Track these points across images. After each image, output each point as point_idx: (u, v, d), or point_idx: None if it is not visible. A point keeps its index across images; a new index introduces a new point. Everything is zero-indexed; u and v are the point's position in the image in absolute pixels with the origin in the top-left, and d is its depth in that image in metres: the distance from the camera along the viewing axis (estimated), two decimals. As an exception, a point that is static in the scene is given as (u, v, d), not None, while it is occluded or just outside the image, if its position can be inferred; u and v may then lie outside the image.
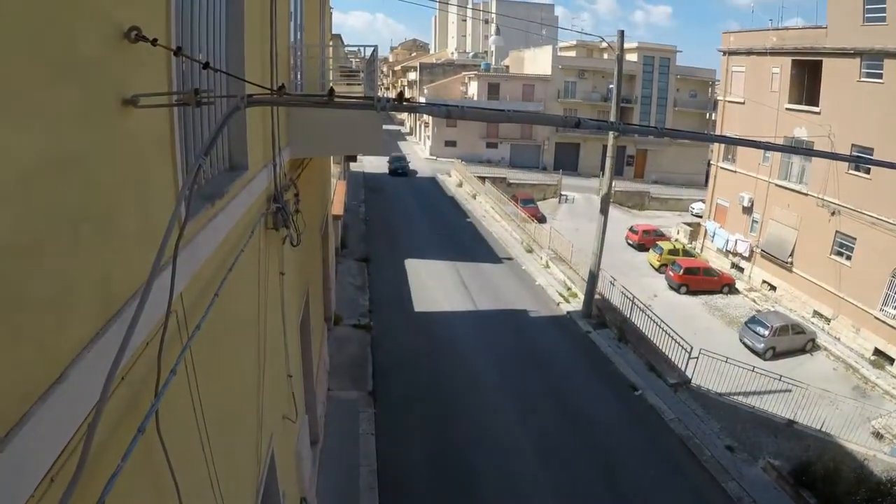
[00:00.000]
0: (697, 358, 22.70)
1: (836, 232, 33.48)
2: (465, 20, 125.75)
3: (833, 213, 33.56)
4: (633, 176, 71.27)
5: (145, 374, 3.34)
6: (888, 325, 29.82)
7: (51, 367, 2.40)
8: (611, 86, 42.64)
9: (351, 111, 9.12)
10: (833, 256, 33.63)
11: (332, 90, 4.45)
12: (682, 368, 22.95)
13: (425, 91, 76.09)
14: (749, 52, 41.86)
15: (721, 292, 38.18)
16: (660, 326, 24.64)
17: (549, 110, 67.31)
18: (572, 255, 33.85)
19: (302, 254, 11.13)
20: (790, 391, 22.82)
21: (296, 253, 9.84)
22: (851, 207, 32.16)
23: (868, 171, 31.24)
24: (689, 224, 50.42)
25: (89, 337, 2.71)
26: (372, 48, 13.20)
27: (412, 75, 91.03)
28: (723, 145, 45.12)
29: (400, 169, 62.96)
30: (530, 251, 37.51)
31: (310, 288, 13.42)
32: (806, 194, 35.88)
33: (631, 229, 47.52)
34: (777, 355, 29.88)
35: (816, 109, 35.11)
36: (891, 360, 29.61)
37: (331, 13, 23.37)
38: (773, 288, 38.66)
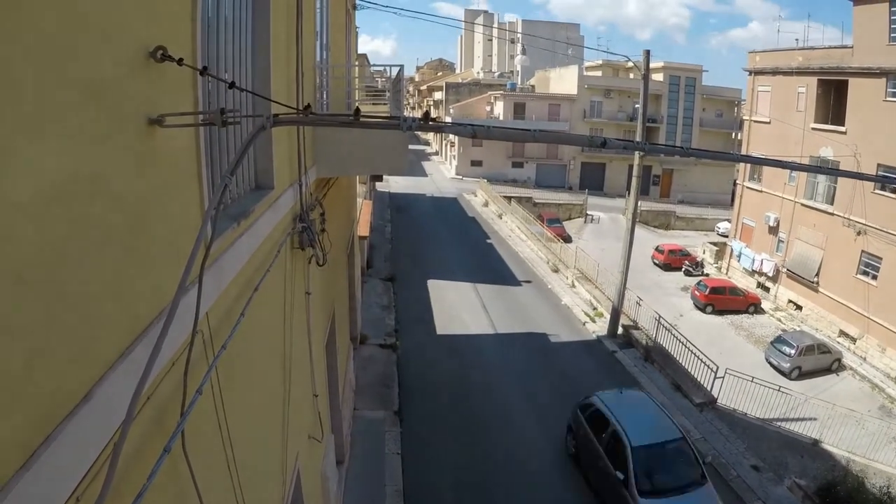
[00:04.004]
0: (723, 377, 22.47)
1: (863, 252, 33.08)
2: (491, 40, 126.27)
3: (859, 233, 33.15)
4: (658, 195, 70.91)
5: (171, 393, 3.34)
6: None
7: (77, 385, 2.40)
8: (637, 105, 42.54)
9: (377, 131, 9.10)
10: (859, 276, 33.22)
11: (357, 110, 4.45)
12: (708, 388, 22.67)
13: (451, 111, 76.32)
14: (775, 72, 41.62)
15: (747, 312, 37.81)
16: (686, 346, 24.38)
17: (575, 130, 67.23)
18: (598, 275, 33.71)
19: (328, 273, 11.14)
20: (816, 419, 22.52)
21: (322, 272, 9.85)
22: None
23: (894, 191, 30.91)
24: (714, 244, 50.10)
25: (115, 356, 2.71)
26: (398, 68, 13.31)
27: (438, 95, 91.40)
28: (749, 165, 44.80)
29: None
30: (556, 271, 37.30)
31: (336, 307, 13.42)
32: (832, 214, 35.50)
33: (657, 249, 47.27)
34: (803, 375, 29.51)
35: (842, 129, 34.77)
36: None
37: (357, 32, 23.54)
38: (799, 307, 38.20)
